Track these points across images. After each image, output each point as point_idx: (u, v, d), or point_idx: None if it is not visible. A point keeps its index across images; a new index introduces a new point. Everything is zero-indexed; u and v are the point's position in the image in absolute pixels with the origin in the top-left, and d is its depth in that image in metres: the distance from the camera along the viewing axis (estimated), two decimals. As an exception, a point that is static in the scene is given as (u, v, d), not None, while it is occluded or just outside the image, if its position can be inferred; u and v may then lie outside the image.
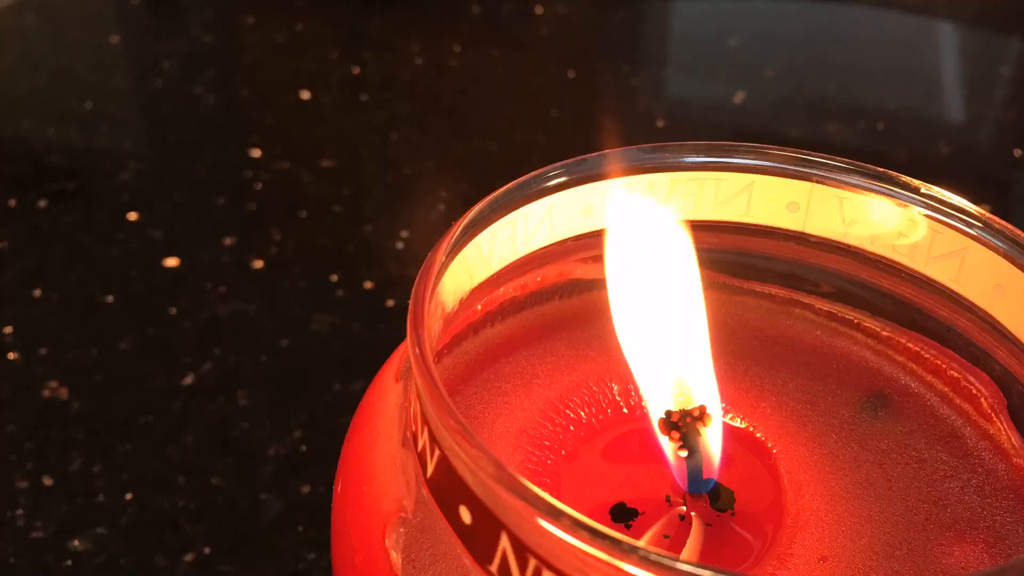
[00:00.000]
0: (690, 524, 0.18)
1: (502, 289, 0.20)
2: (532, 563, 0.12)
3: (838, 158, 0.19)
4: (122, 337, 0.35)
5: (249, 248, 0.40)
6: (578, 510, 0.19)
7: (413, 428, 0.15)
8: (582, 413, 0.20)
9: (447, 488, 0.13)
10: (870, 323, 0.21)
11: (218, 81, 0.52)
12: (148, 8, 0.60)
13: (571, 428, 0.20)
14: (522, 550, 0.12)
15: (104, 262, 0.39)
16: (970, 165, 0.47)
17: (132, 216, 0.41)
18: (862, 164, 0.19)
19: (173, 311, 0.36)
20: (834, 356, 0.21)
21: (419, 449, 0.14)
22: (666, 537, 0.18)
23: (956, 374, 0.20)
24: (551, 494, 0.19)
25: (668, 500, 0.19)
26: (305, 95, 0.51)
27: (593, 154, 0.20)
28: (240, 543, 0.28)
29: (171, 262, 0.39)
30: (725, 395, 0.20)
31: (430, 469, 0.14)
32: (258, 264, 0.39)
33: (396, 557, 0.14)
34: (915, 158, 0.47)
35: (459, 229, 0.16)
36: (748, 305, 0.22)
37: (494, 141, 0.47)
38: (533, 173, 0.18)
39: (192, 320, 0.36)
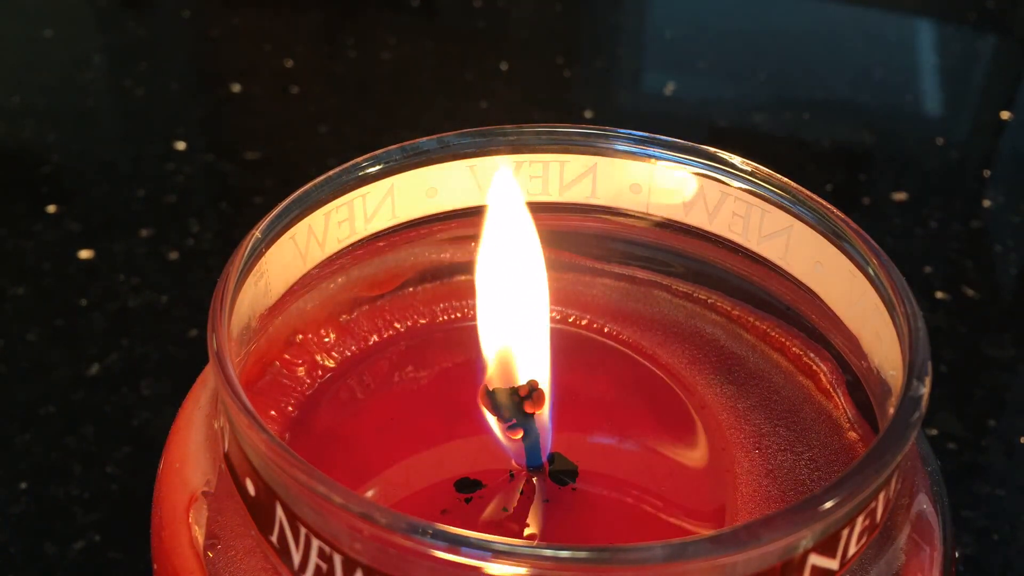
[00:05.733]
0: (531, 498, 0.19)
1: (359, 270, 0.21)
2: (303, 531, 0.12)
3: (677, 140, 0.19)
4: (29, 329, 0.35)
5: (165, 240, 0.40)
6: (427, 482, 0.19)
7: (219, 406, 0.15)
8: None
9: (238, 462, 0.14)
10: (723, 303, 0.21)
11: (149, 74, 0.52)
12: (124, 4, 0.60)
13: (433, 405, 0.20)
14: (294, 519, 0.13)
15: (18, 255, 0.39)
16: (891, 154, 0.48)
17: (51, 209, 0.41)
18: (696, 145, 0.19)
19: (83, 302, 0.36)
20: (689, 335, 0.21)
21: (219, 426, 0.15)
22: (505, 510, 0.18)
23: (799, 351, 0.20)
24: (408, 467, 0.19)
25: (511, 475, 0.19)
26: (236, 88, 0.51)
27: (436, 135, 0.20)
28: (131, 531, 0.28)
29: (85, 254, 0.39)
30: (575, 375, 0.21)
31: (226, 444, 0.14)
32: (173, 255, 0.39)
33: (197, 531, 0.14)
34: (836, 147, 0.48)
35: (279, 210, 0.17)
36: (609, 286, 0.22)
37: (421, 133, 0.47)
38: (370, 155, 0.19)
39: (102, 311, 0.36)
